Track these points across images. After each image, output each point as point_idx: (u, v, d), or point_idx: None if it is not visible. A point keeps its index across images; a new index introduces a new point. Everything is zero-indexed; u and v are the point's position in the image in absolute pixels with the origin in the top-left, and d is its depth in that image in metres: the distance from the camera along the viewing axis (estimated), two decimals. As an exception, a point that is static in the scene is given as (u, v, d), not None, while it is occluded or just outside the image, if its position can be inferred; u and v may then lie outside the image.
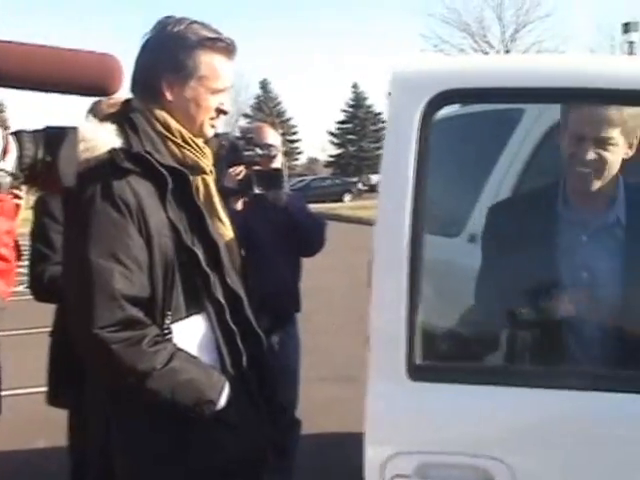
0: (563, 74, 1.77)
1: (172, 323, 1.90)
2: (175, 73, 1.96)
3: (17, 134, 1.47)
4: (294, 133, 61.36)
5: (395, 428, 1.73)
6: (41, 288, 2.81)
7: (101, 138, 1.86)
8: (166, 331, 1.89)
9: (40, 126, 1.53)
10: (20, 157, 1.45)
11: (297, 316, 3.54)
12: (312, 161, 64.43)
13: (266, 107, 56.88)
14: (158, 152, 1.93)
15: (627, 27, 19.44)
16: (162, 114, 1.97)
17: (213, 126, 2.06)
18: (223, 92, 2.04)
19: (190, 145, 2.00)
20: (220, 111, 2.05)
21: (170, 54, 1.95)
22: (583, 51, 31.51)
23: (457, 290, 2.36)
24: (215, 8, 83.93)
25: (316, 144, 66.26)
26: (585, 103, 2.00)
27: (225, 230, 2.09)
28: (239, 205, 3.38)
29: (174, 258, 1.89)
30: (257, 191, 3.23)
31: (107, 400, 1.97)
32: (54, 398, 2.98)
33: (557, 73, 1.78)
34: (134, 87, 2.01)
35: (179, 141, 1.98)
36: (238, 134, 3.57)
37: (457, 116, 2.81)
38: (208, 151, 2.06)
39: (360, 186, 41.13)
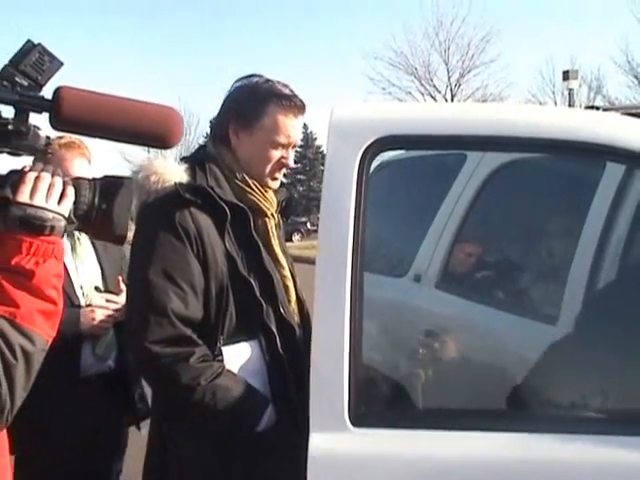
0: (496, 123, 1.87)
1: (223, 346, 2.04)
2: (242, 121, 2.14)
3: (75, 180, 1.52)
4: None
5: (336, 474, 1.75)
6: None
7: (170, 172, 2.07)
8: (216, 353, 2.03)
9: (99, 174, 1.60)
10: (76, 203, 1.50)
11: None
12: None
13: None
14: (221, 188, 2.09)
15: (566, 75, 20.00)
16: (229, 157, 2.16)
17: (274, 178, 2.20)
18: (286, 147, 2.17)
19: (252, 188, 2.15)
20: (282, 164, 2.18)
21: (241, 104, 2.15)
22: (525, 97, 32.29)
23: (400, 329, 2.47)
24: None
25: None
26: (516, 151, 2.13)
27: (282, 269, 2.21)
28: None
29: (229, 286, 2.04)
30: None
31: (164, 419, 2.13)
32: None
33: (490, 122, 1.87)
34: (211, 129, 2.24)
35: (242, 184, 2.14)
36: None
37: (401, 160, 2.94)
38: (271, 196, 2.20)
39: (309, 226, 41.20)
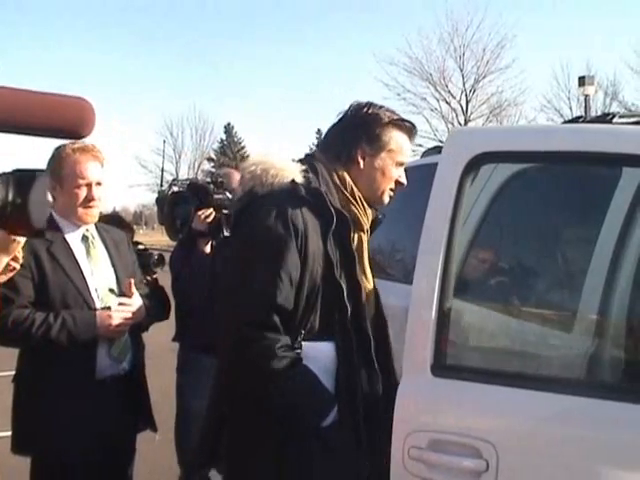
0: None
1: (304, 340, 2.15)
2: (370, 145, 2.32)
3: None
4: (258, 177, 61.31)
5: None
6: (4, 332, 2.72)
7: (288, 170, 2.23)
8: (297, 345, 2.13)
9: (8, 169, 1.59)
10: None
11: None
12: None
13: (230, 151, 56.97)
14: (331, 195, 2.24)
15: (582, 80, 19.95)
16: (342, 172, 2.32)
17: (391, 197, 2.39)
18: (403, 166, 2.38)
19: (357, 203, 2.31)
20: (398, 183, 2.38)
21: (367, 129, 2.33)
22: (541, 102, 32.19)
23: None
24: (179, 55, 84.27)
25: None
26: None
27: (367, 283, 2.33)
28: (207, 248, 3.47)
29: (321, 285, 2.17)
30: (227, 234, 3.32)
31: (225, 401, 2.27)
32: (19, 445, 2.88)
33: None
34: (323, 149, 2.40)
35: (349, 196, 2.30)
36: (207, 178, 3.67)
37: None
38: (370, 213, 2.36)
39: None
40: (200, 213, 3.38)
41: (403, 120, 2.38)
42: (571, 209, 2.45)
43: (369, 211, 2.35)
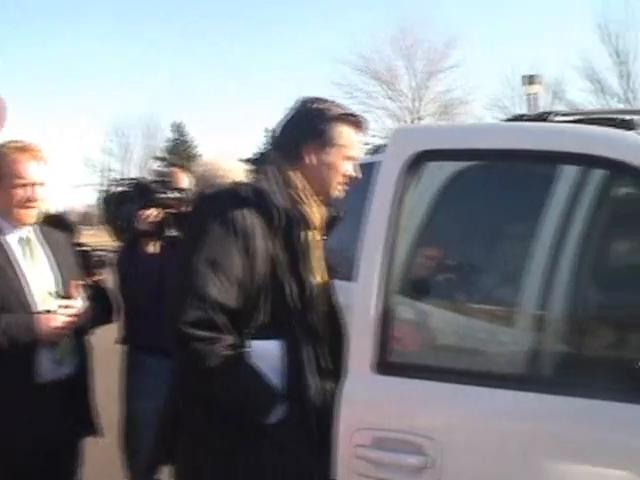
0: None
1: (252, 339, 2.16)
2: (317, 140, 2.32)
3: None
4: (208, 177, 60.92)
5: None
6: None
7: (235, 171, 2.26)
8: (244, 344, 2.14)
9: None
10: None
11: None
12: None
13: (180, 150, 56.49)
14: (277, 194, 2.23)
15: (528, 79, 20.22)
16: (290, 170, 2.31)
17: (341, 190, 2.40)
18: (353, 160, 2.39)
19: (306, 200, 2.30)
20: (349, 177, 2.39)
21: (314, 125, 2.33)
22: (489, 101, 32.55)
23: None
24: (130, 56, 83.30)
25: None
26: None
27: (317, 280, 2.33)
28: (152, 248, 3.44)
29: (267, 285, 2.18)
30: (173, 233, 3.29)
31: (178, 401, 2.28)
32: None
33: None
34: (275, 147, 2.40)
35: (296, 195, 2.29)
36: (151, 177, 3.64)
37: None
38: (321, 211, 2.35)
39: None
40: (142, 212, 3.35)
41: (350, 114, 2.38)
42: (513, 206, 2.47)
43: (320, 209, 2.36)
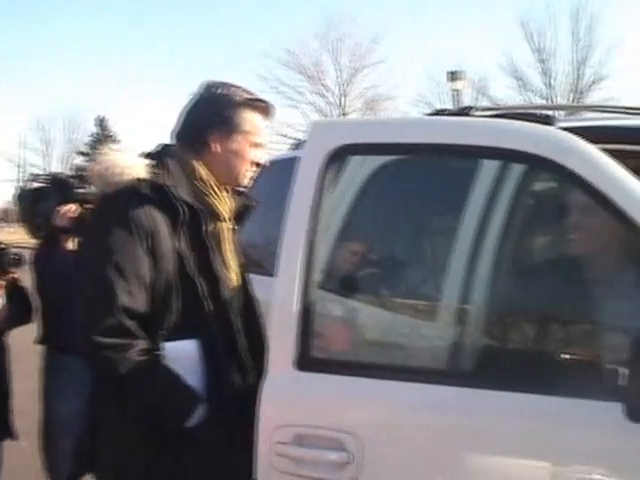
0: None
1: (165, 341, 2.08)
2: (222, 128, 2.24)
3: None
4: (133, 172, 60.04)
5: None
6: None
7: (132, 168, 2.14)
8: (157, 347, 2.06)
9: None
10: None
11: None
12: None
13: (102, 145, 55.50)
14: (179, 188, 2.14)
15: (452, 76, 20.48)
16: (195, 163, 2.23)
17: (249, 177, 2.32)
18: (260, 147, 2.31)
19: (211, 191, 2.23)
20: (256, 163, 2.31)
21: (218, 111, 2.24)
22: (414, 97, 32.92)
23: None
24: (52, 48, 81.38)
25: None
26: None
27: (230, 274, 2.27)
28: (71, 245, 3.35)
29: (177, 283, 2.10)
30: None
31: (96, 407, 2.20)
32: None
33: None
34: (178, 136, 2.29)
35: (202, 186, 2.22)
36: (70, 172, 3.55)
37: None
38: (229, 202, 2.29)
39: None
40: (60, 208, 3.26)
41: (257, 99, 2.31)
42: (435, 201, 2.49)
43: (228, 199, 2.29)
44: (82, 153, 52.67)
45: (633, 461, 1.74)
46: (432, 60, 38.45)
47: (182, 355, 2.10)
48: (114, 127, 56.73)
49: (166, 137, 2.34)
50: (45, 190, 3.36)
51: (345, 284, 2.51)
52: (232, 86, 2.30)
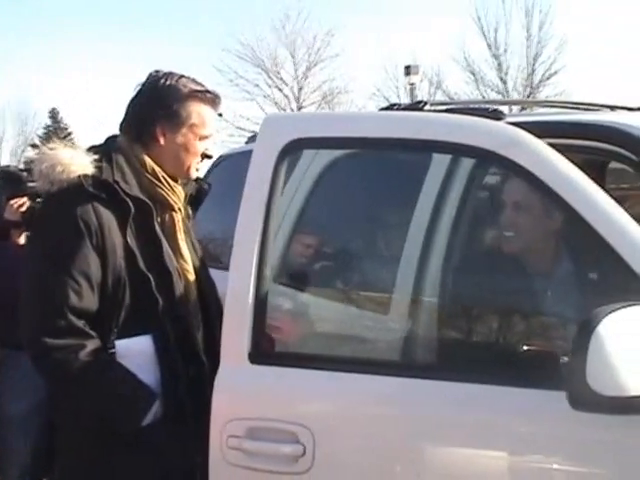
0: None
1: (116, 339, 2.05)
2: (169, 121, 2.19)
3: None
4: (86, 165, 59.35)
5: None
6: None
7: (76, 164, 2.07)
8: (109, 346, 2.03)
9: None
10: None
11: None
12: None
13: (56, 137, 54.70)
14: (126, 183, 2.11)
15: (408, 70, 20.60)
16: (142, 154, 2.18)
17: (197, 169, 2.29)
18: (208, 138, 2.26)
19: (162, 183, 2.19)
20: (205, 156, 2.27)
21: (164, 104, 2.18)
22: (371, 91, 33.01)
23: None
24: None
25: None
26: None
27: (185, 265, 2.23)
28: (22, 239, 3.31)
29: (126, 279, 2.06)
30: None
31: (54, 408, 2.19)
32: None
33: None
34: (125, 129, 2.23)
35: (152, 178, 2.17)
36: (20, 165, 3.51)
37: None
38: (179, 190, 2.25)
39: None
40: (13, 202, 3.21)
41: (203, 91, 2.24)
42: (386, 194, 2.51)
43: (178, 188, 2.25)
44: (34, 146, 51.91)
45: (582, 449, 1.78)
46: (388, 54, 38.44)
47: (135, 352, 2.07)
48: (67, 119, 55.99)
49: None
50: (-6, 184, 3.31)
51: (298, 277, 2.52)
52: (179, 76, 2.24)
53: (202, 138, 2.24)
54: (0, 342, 3.42)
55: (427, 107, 2.57)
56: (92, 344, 2.00)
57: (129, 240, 2.08)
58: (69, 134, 57.06)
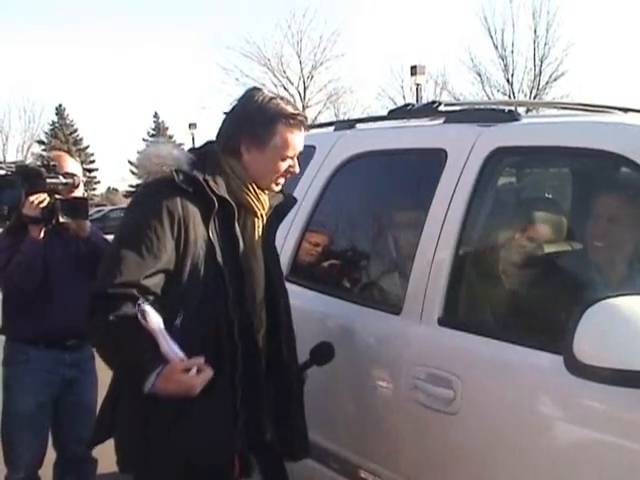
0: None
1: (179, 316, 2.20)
2: (254, 140, 2.31)
3: None
4: (92, 162, 59.21)
5: None
6: None
7: (172, 158, 2.27)
8: (174, 318, 2.19)
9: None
10: None
11: (94, 352, 3.31)
12: (111, 191, 61.95)
13: (62, 134, 54.75)
14: (215, 183, 2.27)
15: (414, 70, 20.60)
16: (233, 161, 2.33)
17: (278, 184, 2.41)
18: (292, 158, 2.37)
19: (248, 189, 2.34)
20: (289, 172, 2.39)
21: (251, 124, 2.31)
22: (376, 91, 32.99)
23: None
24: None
25: (115, 174, 64.19)
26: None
27: (258, 268, 2.39)
28: (40, 234, 3.29)
29: (202, 269, 2.23)
30: (62, 220, 3.17)
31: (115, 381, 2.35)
32: None
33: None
34: (218, 139, 2.38)
35: (239, 183, 2.33)
36: (38, 162, 3.48)
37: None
38: (264, 199, 2.40)
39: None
40: (33, 198, 3.19)
41: (289, 115, 2.33)
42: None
43: (263, 197, 2.39)
44: (41, 142, 51.92)
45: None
46: (394, 54, 38.43)
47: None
48: (72, 115, 56.03)
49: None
50: (11, 179, 3.29)
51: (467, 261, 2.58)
52: (270, 97, 2.34)
53: (285, 158, 2.36)
54: (10, 336, 3.43)
55: (441, 107, 2.61)
56: (128, 309, 2.14)
57: (211, 234, 2.25)
58: (74, 130, 57.25)
